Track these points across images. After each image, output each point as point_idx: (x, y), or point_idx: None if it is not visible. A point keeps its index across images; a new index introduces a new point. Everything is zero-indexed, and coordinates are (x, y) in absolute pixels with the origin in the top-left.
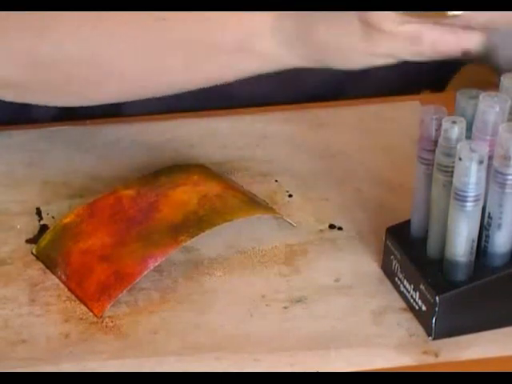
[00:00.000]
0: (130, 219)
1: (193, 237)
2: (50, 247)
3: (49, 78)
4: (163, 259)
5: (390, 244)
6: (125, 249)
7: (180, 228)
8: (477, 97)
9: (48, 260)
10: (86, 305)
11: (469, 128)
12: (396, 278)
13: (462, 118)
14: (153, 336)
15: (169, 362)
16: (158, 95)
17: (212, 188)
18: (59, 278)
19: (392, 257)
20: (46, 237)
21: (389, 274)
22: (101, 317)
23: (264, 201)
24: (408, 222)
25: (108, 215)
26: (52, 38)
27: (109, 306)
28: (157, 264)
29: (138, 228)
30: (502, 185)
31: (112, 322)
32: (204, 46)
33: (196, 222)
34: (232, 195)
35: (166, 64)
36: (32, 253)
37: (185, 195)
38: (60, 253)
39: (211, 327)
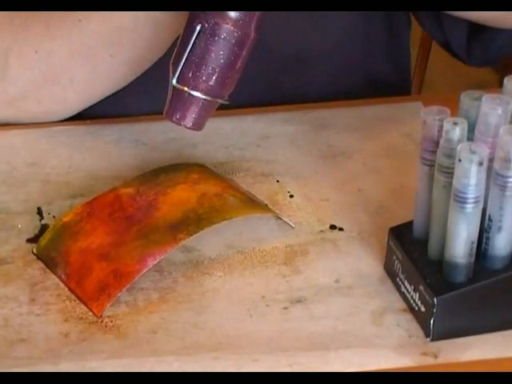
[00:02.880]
0: (129, 217)
1: (192, 235)
2: (50, 246)
3: None
4: (162, 258)
5: (392, 244)
6: (124, 247)
7: (179, 226)
8: (480, 98)
9: (48, 259)
10: (85, 304)
11: (472, 129)
12: (398, 279)
13: (464, 119)
14: (152, 336)
15: (168, 361)
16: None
17: (211, 187)
18: (59, 277)
19: (394, 257)
20: (46, 236)
21: (391, 274)
22: (100, 316)
23: (263, 201)
24: (411, 223)
25: (107, 214)
26: None
27: (108, 306)
28: (156, 262)
29: (138, 226)
30: (503, 187)
31: (111, 321)
32: None
33: (195, 221)
34: (231, 194)
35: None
36: (33, 252)
37: (184, 194)
38: (60, 252)
39: (211, 327)
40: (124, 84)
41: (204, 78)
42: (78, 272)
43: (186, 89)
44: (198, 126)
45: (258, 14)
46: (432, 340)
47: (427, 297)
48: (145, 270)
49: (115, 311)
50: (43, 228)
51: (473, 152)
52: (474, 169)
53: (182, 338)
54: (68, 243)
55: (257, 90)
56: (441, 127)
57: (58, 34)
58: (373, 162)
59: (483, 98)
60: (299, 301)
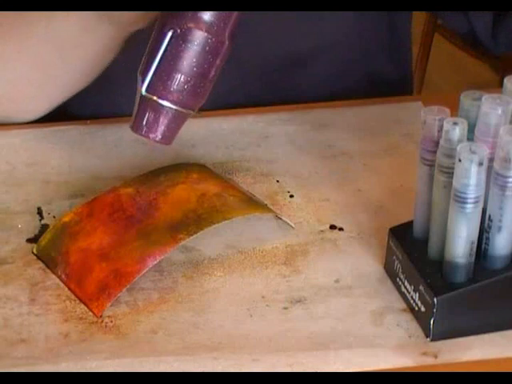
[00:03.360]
0: (129, 218)
1: (191, 235)
2: (50, 246)
3: None
4: (162, 258)
5: (392, 244)
6: (124, 247)
7: (179, 226)
8: (480, 98)
9: (48, 259)
10: (85, 304)
11: (472, 129)
12: (397, 279)
13: (464, 119)
14: (152, 336)
15: (168, 361)
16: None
17: (211, 187)
18: (59, 277)
19: (394, 257)
20: (46, 236)
21: (391, 274)
22: (100, 316)
23: (263, 201)
24: (411, 223)
25: (107, 214)
26: None
27: (108, 306)
28: (156, 262)
29: (137, 226)
30: (503, 187)
31: (111, 321)
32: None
33: (195, 221)
34: (231, 194)
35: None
36: (33, 252)
37: (184, 193)
38: (60, 252)
39: (211, 327)
40: (77, 90)
41: (175, 87)
42: (78, 272)
43: (155, 98)
44: (167, 139)
45: (232, 19)
46: (432, 340)
47: (427, 297)
48: (145, 270)
49: (115, 311)
50: (43, 228)
51: (473, 152)
52: (473, 169)
53: (182, 338)
54: (68, 243)
55: (256, 90)
56: (441, 127)
57: (10, 38)
58: (373, 161)
59: (483, 98)
60: (299, 301)
